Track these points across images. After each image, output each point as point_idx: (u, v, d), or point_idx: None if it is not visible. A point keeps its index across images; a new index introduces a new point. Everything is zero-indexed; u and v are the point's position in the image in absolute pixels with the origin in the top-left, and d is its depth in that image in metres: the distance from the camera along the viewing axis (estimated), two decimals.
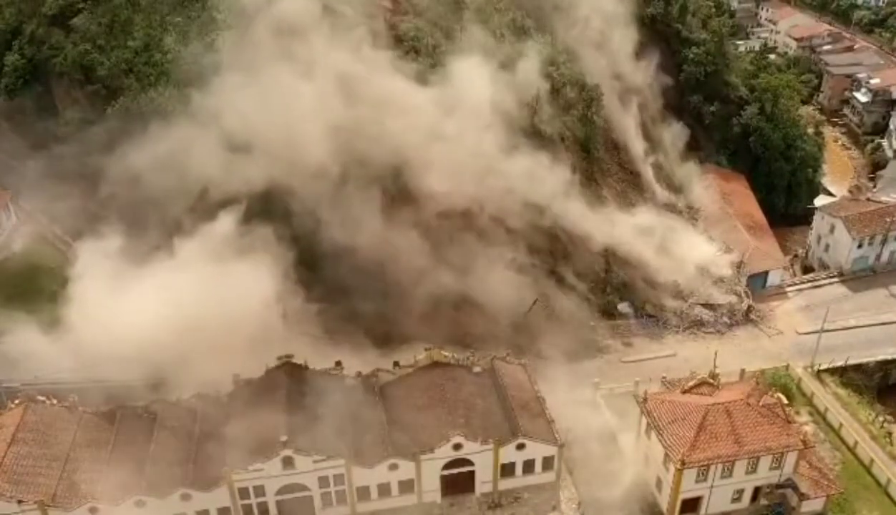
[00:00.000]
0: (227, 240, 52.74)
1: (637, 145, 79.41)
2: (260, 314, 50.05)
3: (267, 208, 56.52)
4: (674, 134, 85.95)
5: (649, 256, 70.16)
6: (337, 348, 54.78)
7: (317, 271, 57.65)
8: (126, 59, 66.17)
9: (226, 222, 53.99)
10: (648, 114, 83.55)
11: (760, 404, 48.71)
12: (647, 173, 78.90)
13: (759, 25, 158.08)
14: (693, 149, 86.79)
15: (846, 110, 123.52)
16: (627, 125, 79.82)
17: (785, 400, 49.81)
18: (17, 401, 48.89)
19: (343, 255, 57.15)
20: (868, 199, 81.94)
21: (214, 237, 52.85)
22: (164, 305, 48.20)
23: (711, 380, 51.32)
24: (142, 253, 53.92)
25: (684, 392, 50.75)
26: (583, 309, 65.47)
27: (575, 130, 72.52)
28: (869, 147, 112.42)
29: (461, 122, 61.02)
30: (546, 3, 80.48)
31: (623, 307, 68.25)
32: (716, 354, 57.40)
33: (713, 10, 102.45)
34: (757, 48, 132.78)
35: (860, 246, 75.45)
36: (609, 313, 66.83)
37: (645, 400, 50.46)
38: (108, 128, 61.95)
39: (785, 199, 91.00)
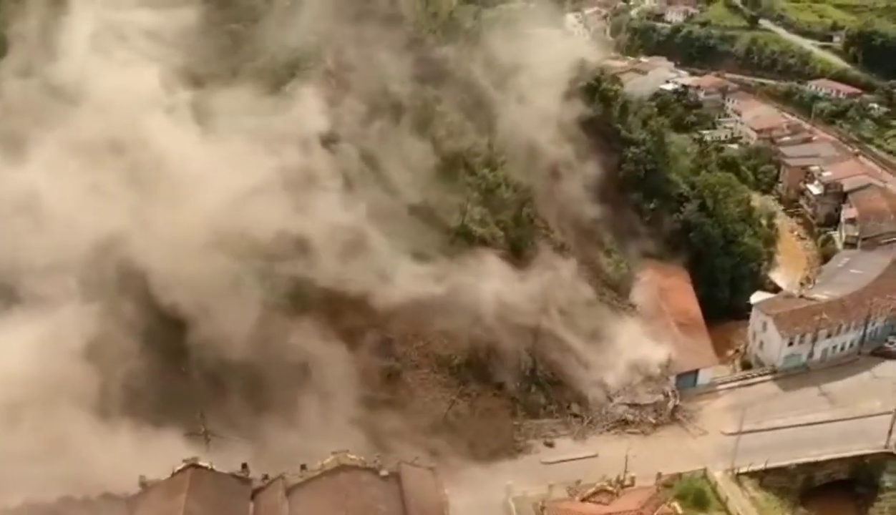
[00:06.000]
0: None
1: (573, 244, 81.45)
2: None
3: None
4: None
5: (580, 347, 71.20)
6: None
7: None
8: None
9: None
10: (585, 212, 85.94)
11: (656, 514, 49.26)
12: (584, 273, 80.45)
13: (727, 116, 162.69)
14: (633, 245, 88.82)
15: (802, 201, 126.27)
16: (564, 225, 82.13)
17: (680, 511, 50.28)
18: None
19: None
20: (801, 296, 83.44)
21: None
22: None
23: (610, 487, 52.04)
24: None
25: (583, 499, 51.42)
26: (506, 407, 66.33)
27: (508, 231, 74.79)
28: (821, 238, 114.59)
29: None
30: (487, 106, 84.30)
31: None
32: (626, 458, 57.99)
33: (655, 109, 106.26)
34: (708, 140, 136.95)
35: (791, 343, 76.43)
36: (533, 412, 67.58)
37: (543, 507, 51.02)
38: None
39: (729, 293, 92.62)
